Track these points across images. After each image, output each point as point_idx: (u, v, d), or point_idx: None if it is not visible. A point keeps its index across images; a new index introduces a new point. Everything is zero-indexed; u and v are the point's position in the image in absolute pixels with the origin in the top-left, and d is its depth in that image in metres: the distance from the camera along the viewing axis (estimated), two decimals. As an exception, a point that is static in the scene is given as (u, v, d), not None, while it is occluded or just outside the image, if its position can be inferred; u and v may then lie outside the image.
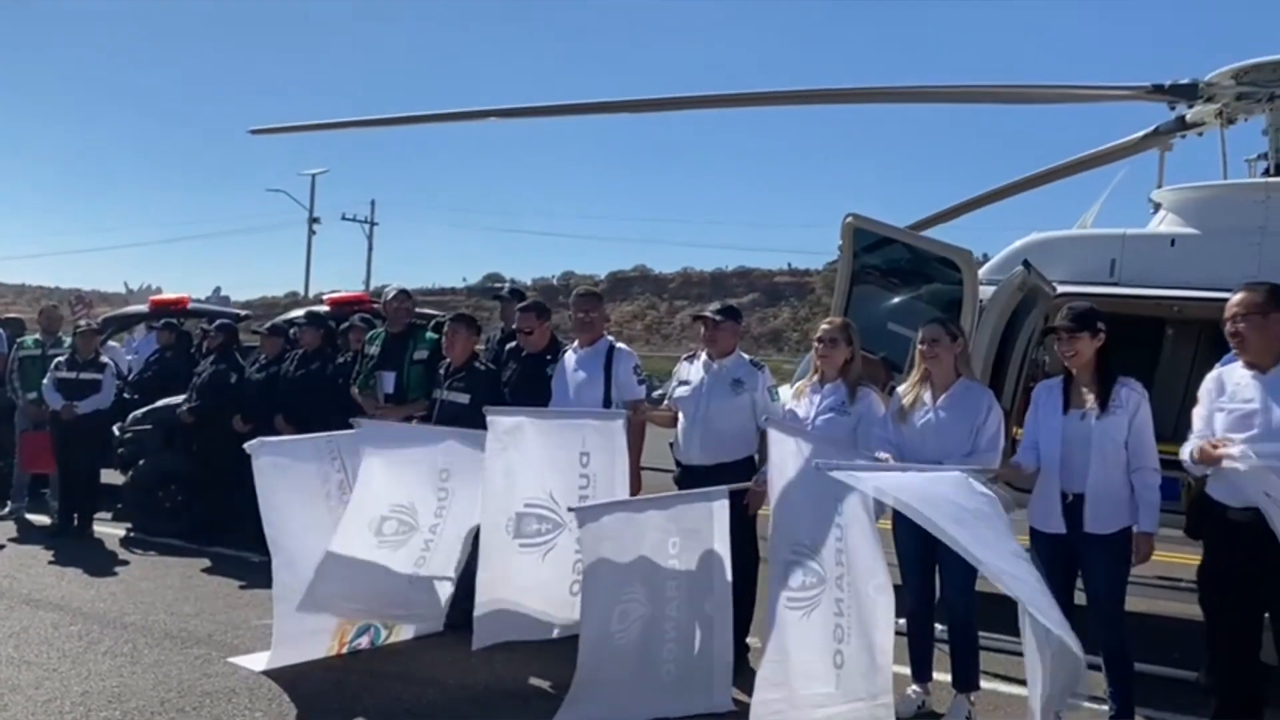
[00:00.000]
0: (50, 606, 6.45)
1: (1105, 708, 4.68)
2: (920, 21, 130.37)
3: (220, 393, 8.58)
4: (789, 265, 59.37)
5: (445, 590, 5.68)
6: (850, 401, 5.23)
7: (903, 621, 5.16)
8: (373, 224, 49.06)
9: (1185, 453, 4.39)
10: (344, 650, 5.66)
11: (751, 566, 5.65)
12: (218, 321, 9.56)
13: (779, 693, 4.56)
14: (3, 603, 6.52)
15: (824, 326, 5.50)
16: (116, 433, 9.31)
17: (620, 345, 6.20)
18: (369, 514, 5.43)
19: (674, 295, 58.81)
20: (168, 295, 12.38)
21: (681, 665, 4.89)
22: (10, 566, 7.55)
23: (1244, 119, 7.52)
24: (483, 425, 5.42)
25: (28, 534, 8.78)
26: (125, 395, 9.82)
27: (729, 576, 4.90)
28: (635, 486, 5.83)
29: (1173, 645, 5.88)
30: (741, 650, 5.63)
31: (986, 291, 6.60)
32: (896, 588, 4.69)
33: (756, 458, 5.59)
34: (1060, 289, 6.88)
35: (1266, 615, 4.32)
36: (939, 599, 5.03)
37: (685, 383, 5.79)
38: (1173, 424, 6.09)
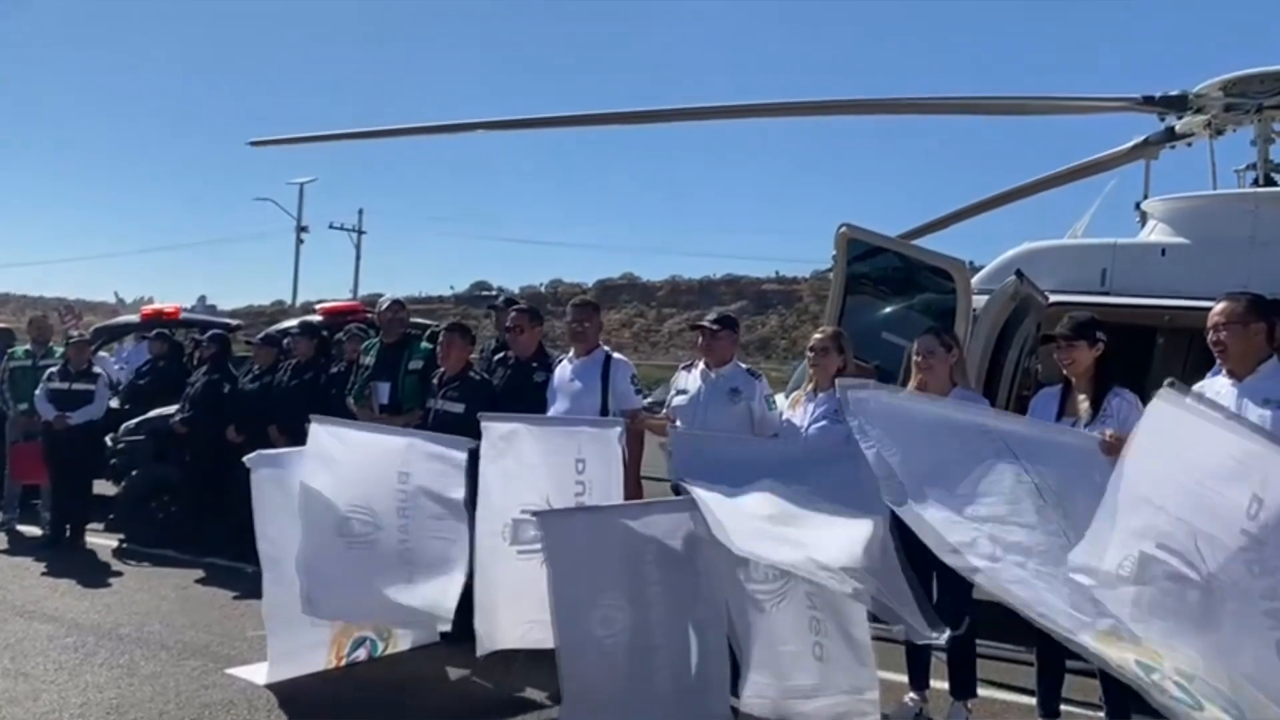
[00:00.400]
0: (45, 618, 6.43)
1: (1100, 714, 4.73)
2: (910, 34, 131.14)
3: (213, 403, 8.56)
4: (777, 273, 59.47)
5: (453, 589, 5.43)
6: (843, 410, 5.25)
7: (901, 628, 5.19)
8: (360, 233, 48.97)
9: None
10: (342, 663, 5.66)
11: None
12: (210, 332, 9.55)
13: (767, 678, 4.65)
14: (-3, 615, 6.50)
15: (816, 336, 5.54)
16: (109, 443, 9.27)
17: (617, 355, 6.22)
18: (331, 516, 5.36)
19: (662, 303, 58.83)
20: (160, 305, 12.34)
21: (676, 675, 4.84)
22: (2, 578, 7.52)
23: (1232, 130, 7.62)
24: (477, 434, 5.43)
25: (19, 545, 8.73)
26: (116, 405, 9.78)
27: (717, 583, 4.87)
28: (636, 495, 5.85)
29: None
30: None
31: (979, 301, 6.66)
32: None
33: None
34: (1052, 298, 6.95)
35: None
36: (935, 606, 5.04)
37: (683, 392, 5.81)
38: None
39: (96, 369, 9.23)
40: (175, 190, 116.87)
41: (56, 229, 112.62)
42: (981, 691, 5.08)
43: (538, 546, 5.15)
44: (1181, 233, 7.16)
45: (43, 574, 7.69)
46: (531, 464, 5.41)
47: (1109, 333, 4.85)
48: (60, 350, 9.39)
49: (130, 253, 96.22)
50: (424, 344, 7.29)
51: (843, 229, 6.84)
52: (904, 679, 5.13)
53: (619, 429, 5.58)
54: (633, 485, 5.84)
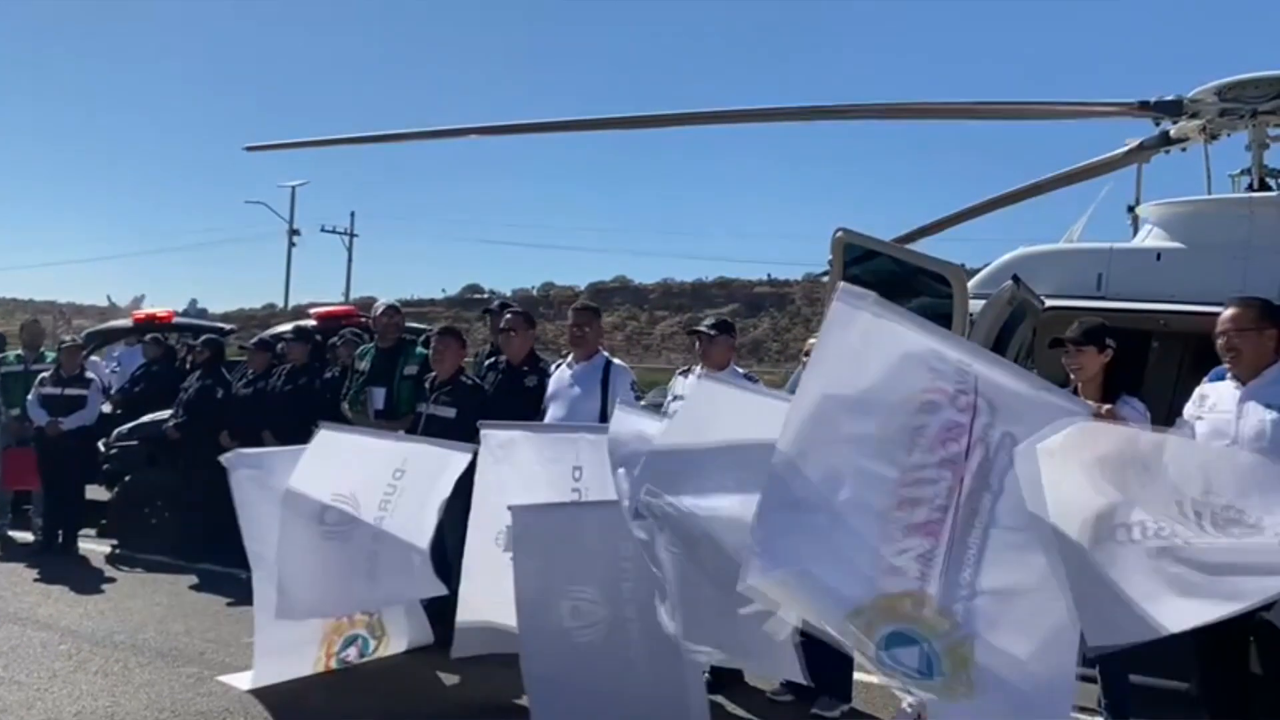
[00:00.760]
0: (38, 625, 6.39)
1: (1098, 719, 4.73)
2: (906, 40, 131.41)
3: (207, 408, 8.53)
4: (769, 276, 59.41)
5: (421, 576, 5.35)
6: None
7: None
8: (352, 235, 48.97)
9: None
10: (332, 663, 5.62)
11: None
12: (204, 336, 9.51)
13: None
14: (-11, 622, 6.47)
15: (810, 340, 5.54)
16: (102, 449, 9.23)
17: (617, 361, 6.23)
18: (312, 505, 5.31)
19: (654, 306, 58.75)
20: (152, 309, 12.30)
21: (654, 674, 4.81)
22: (-5, 585, 7.48)
23: (1227, 135, 7.62)
24: (468, 439, 5.43)
25: (11, 551, 8.70)
26: (109, 410, 9.74)
27: None
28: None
29: (1164, 656, 5.91)
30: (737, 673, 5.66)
31: (975, 305, 6.65)
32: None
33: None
34: (1048, 303, 6.96)
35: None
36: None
37: (680, 397, 5.80)
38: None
39: (89, 374, 9.20)
40: (167, 193, 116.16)
41: (47, 232, 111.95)
42: (980, 697, 5.06)
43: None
44: (1177, 237, 7.16)
45: (35, 580, 7.65)
46: (528, 471, 5.39)
47: (1105, 337, 4.84)
48: (52, 355, 9.35)
49: (121, 256, 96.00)
50: (419, 349, 7.28)
51: (839, 233, 6.82)
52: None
53: (618, 435, 5.58)
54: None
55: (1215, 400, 4.42)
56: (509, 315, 6.61)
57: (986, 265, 7.67)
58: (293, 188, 46.78)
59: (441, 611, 5.40)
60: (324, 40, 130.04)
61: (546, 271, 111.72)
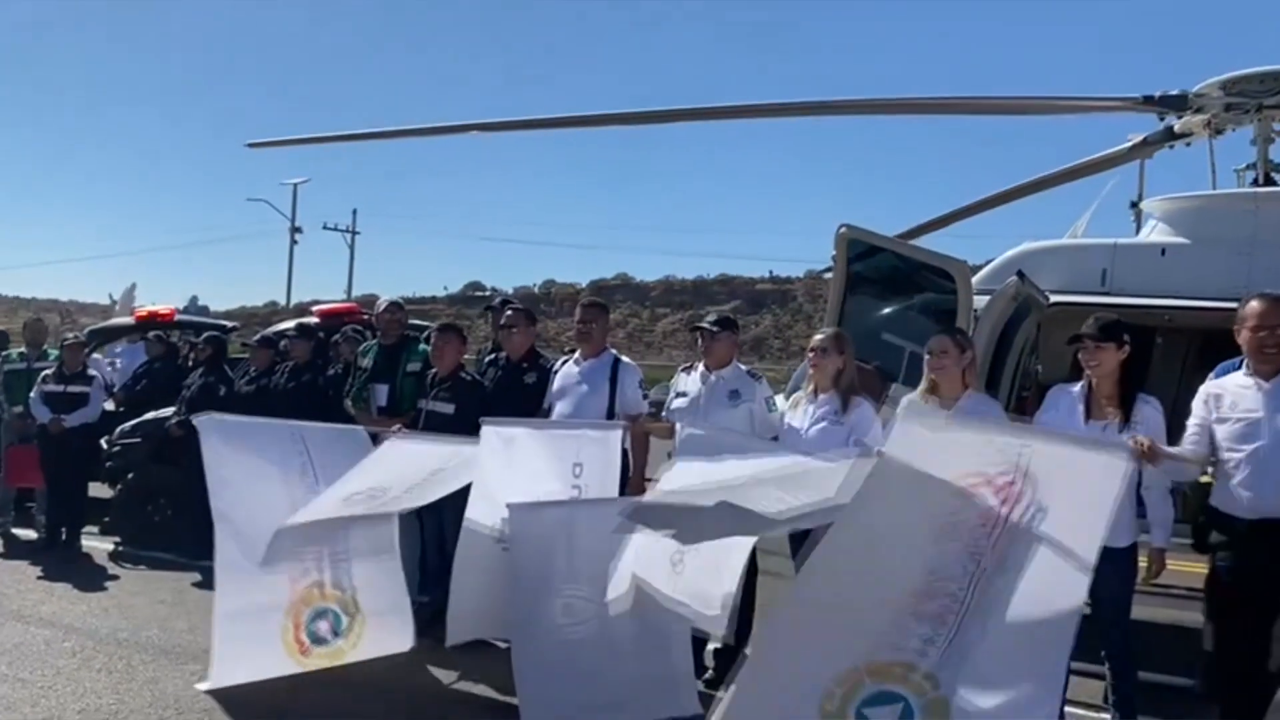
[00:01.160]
0: (42, 623, 6.39)
1: (1107, 716, 4.72)
2: (909, 33, 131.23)
3: (209, 405, 8.48)
4: (770, 273, 59.48)
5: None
6: (843, 411, 5.23)
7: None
8: (354, 233, 48.95)
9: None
10: (302, 634, 5.50)
11: (748, 577, 5.64)
12: (206, 334, 9.50)
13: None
14: (-7, 619, 6.46)
15: (816, 337, 5.51)
16: (105, 446, 9.22)
17: (625, 359, 6.21)
18: (346, 490, 5.37)
19: (656, 303, 58.80)
20: (154, 307, 12.28)
21: (643, 667, 4.96)
22: (-2, 582, 7.47)
23: (1232, 129, 7.62)
24: (466, 434, 5.48)
25: (15, 549, 8.68)
26: (111, 408, 9.73)
27: None
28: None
29: (1169, 652, 5.91)
30: (741, 659, 5.64)
31: (980, 301, 6.64)
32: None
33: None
34: (1053, 298, 6.94)
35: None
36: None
37: (683, 394, 5.79)
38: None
39: (91, 371, 9.18)
40: (169, 191, 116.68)
41: (49, 231, 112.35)
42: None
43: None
44: (1182, 233, 7.15)
45: (39, 578, 7.64)
46: (529, 467, 5.40)
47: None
48: (55, 353, 9.34)
49: (123, 254, 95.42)
50: (422, 345, 7.26)
51: (842, 229, 6.82)
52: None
53: (620, 433, 5.58)
54: (637, 488, 5.82)
55: (1234, 399, 4.33)
56: (510, 312, 6.60)
57: (990, 261, 7.67)
58: (295, 185, 46.77)
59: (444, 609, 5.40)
60: (328, 37, 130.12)
61: (548, 269, 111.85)
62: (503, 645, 5.38)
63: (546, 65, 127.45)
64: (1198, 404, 4.51)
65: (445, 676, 5.54)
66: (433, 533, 6.36)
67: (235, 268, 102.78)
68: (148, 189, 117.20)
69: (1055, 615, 3.29)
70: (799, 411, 5.40)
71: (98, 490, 9.30)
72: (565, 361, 6.22)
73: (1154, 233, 7.40)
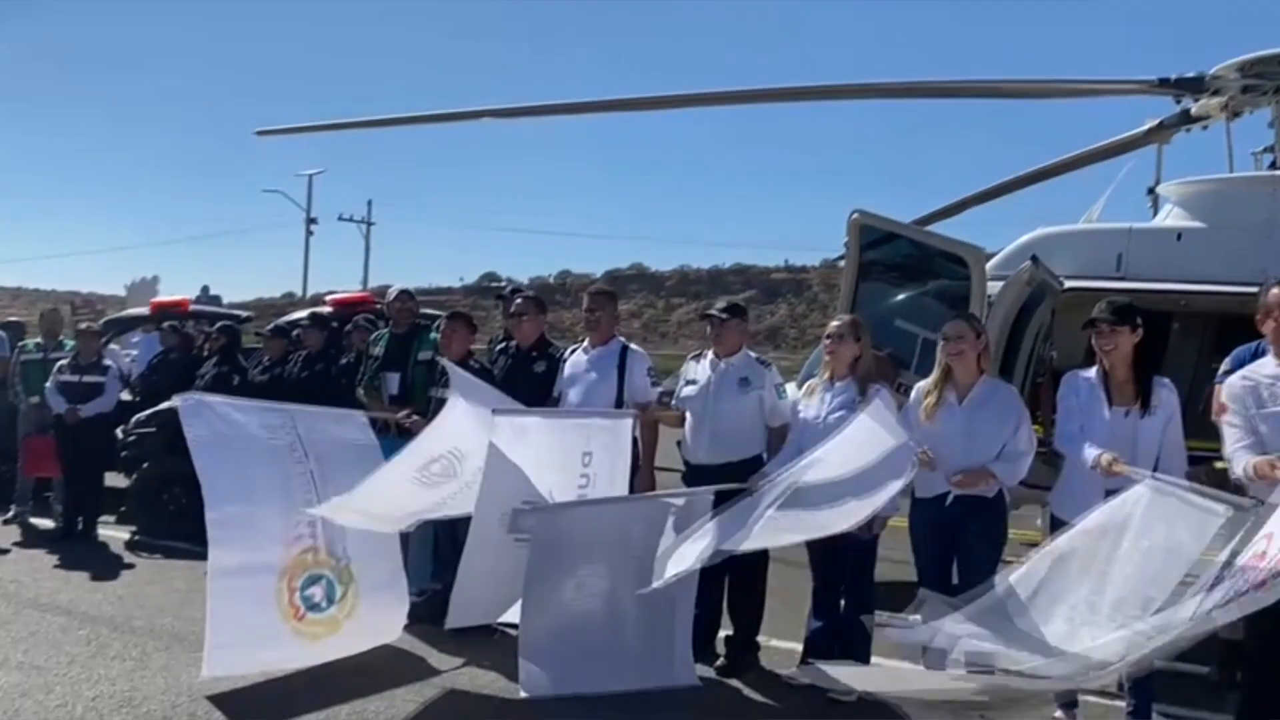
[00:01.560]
0: (57, 610, 6.43)
1: (1122, 704, 4.68)
2: (923, 17, 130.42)
3: (223, 394, 8.53)
4: (786, 262, 59.28)
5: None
6: (862, 398, 5.20)
7: (916, 618, 5.15)
8: (369, 224, 49.07)
9: (1239, 469, 4.17)
10: (296, 599, 5.47)
11: (760, 566, 5.65)
12: (220, 323, 9.53)
13: None
14: (9, 607, 6.50)
15: (833, 323, 5.46)
16: (120, 436, 9.27)
17: (633, 346, 6.18)
18: (426, 451, 5.43)
19: (671, 293, 58.71)
20: (169, 297, 12.33)
21: (642, 636, 5.17)
22: (15, 571, 7.52)
23: (1249, 112, 7.53)
24: None
25: (32, 538, 8.74)
26: (127, 398, 9.77)
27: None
28: (650, 487, 5.82)
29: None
30: (753, 647, 5.65)
31: (994, 287, 6.59)
32: (912, 583, 4.70)
33: (765, 455, 5.58)
34: (1067, 284, 6.89)
35: None
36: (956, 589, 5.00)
37: (692, 382, 5.76)
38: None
39: (107, 361, 9.23)
40: (185, 183, 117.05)
41: (69, 224, 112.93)
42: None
43: (529, 535, 5.17)
44: (1198, 217, 7.08)
45: (55, 567, 7.69)
46: (538, 456, 5.41)
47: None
48: (71, 344, 9.39)
49: (140, 246, 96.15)
50: (433, 334, 7.26)
51: (855, 215, 6.79)
52: (920, 669, 5.08)
53: (630, 422, 5.58)
54: (646, 476, 5.83)
55: (1270, 391, 4.17)
56: (520, 299, 6.58)
57: (1005, 247, 7.61)
58: (309, 176, 46.93)
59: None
60: (342, 27, 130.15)
61: (563, 259, 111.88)
62: (511, 633, 5.40)
63: (556, 54, 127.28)
64: (1232, 398, 4.33)
65: (449, 662, 5.54)
66: (445, 520, 6.36)
67: (252, 259, 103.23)
68: (165, 181, 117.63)
69: None
70: (814, 399, 5.37)
71: (114, 480, 9.36)
72: (574, 350, 6.21)
73: (1170, 217, 7.34)
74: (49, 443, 8.94)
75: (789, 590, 5.82)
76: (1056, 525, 4.79)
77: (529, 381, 6.17)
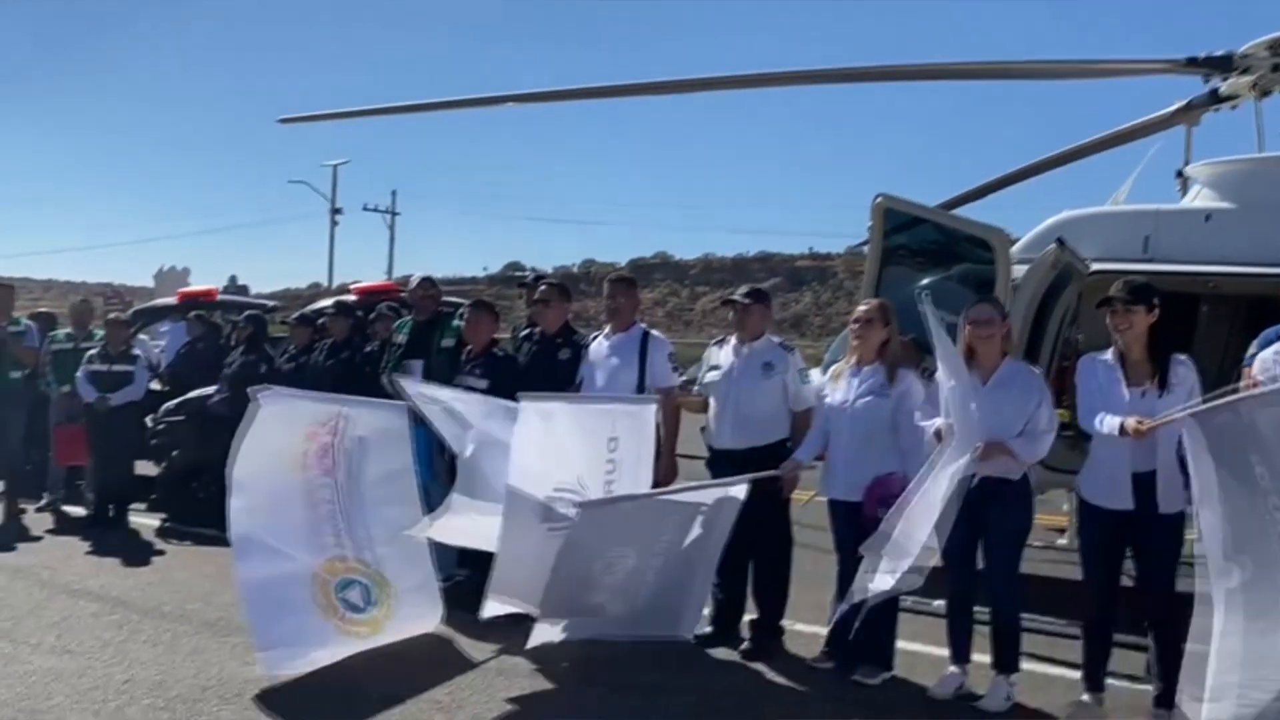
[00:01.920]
0: (90, 596, 6.52)
1: (1149, 687, 4.66)
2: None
3: (250, 383, 8.55)
4: (810, 249, 58.90)
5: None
6: (890, 383, 5.19)
7: (940, 603, 5.15)
8: (394, 214, 49.26)
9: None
10: (335, 600, 5.46)
11: (785, 550, 5.65)
12: (246, 313, 9.60)
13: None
14: (43, 592, 6.61)
15: (861, 308, 5.44)
16: (149, 424, 9.37)
17: (655, 332, 6.19)
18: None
19: (695, 281, 58.51)
20: (197, 287, 12.44)
21: (655, 596, 5.39)
22: (49, 557, 7.63)
23: (1279, 90, 7.41)
24: None
25: (65, 525, 8.86)
26: (156, 387, 9.87)
27: (723, 538, 5.41)
28: (672, 474, 5.83)
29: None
30: (777, 631, 5.65)
31: (1019, 270, 6.54)
32: (938, 569, 4.68)
33: (790, 442, 5.58)
34: (1094, 266, 6.82)
35: None
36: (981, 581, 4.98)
37: (715, 367, 5.76)
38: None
39: (135, 351, 9.32)
40: (215, 175, 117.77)
41: (99, 216, 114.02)
42: (1024, 665, 5.01)
43: (565, 525, 5.17)
44: (1227, 198, 6.98)
45: (87, 553, 7.80)
46: (565, 443, 5.42)
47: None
48: (101, 333, 9.49)
49: (170, 237, 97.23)
50: (456, 322, 7.29)
51: (879, 199, 6.75)
52: (944, 653, 5.08)
53: (653, 406, 5.58)
54: (668, 463, 5.83)
55: None
56: (544, 286, 6.59)
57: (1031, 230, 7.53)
58: (334, 167, 47.12)
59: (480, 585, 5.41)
60: (369, 16, 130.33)
61: (588, 248, 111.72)
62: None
63: (573, 42, 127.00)
64: (1264, 371, 4.42)
65: (482, 651, 5.57)
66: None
67: (279, 249, 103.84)
68: (193, 173, 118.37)
69: None
70: (841, 384, 5.35)
71: (144, 468, 9.47)
72: (596, 337, 6.22)
73: (1198, 198, 7.24)
74: (80, 431, 9.05)
75: (813, 575, 5.82)
76: (1084, 508, 4.77)
77: (553, 368, 6.19)
